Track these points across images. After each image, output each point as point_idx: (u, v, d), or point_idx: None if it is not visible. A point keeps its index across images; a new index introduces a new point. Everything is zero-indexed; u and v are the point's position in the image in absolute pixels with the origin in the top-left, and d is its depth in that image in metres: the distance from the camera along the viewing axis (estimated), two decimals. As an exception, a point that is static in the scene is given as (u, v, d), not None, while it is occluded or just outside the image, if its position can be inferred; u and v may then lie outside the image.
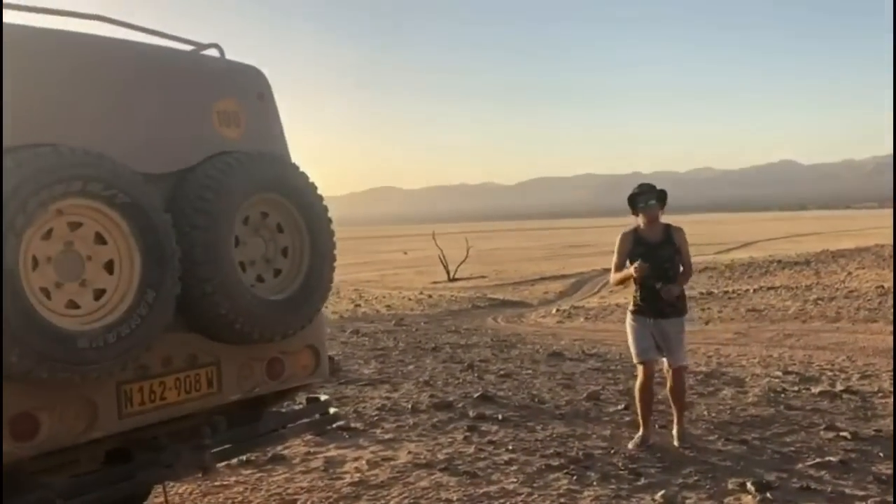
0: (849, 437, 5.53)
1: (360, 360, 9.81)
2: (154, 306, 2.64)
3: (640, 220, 5.15)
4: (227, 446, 3.20)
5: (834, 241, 49.42)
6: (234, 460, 4.74)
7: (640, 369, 5.23)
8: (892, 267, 24.29)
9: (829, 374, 8.98)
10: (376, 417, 5.95)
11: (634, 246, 5.10)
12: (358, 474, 4.60)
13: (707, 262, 36.85)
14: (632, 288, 5.18)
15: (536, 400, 6.68)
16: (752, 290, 19.73)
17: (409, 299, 30.26)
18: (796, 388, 7.86)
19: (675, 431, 5.14)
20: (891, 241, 37.95)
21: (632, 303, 5.15)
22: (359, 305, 28.66)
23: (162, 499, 3.80)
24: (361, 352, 10.85)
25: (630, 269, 4.97)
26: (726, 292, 19.90)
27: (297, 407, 3.90)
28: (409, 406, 6.27)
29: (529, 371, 8.77)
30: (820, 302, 15.66)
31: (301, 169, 3.26)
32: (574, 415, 6.12)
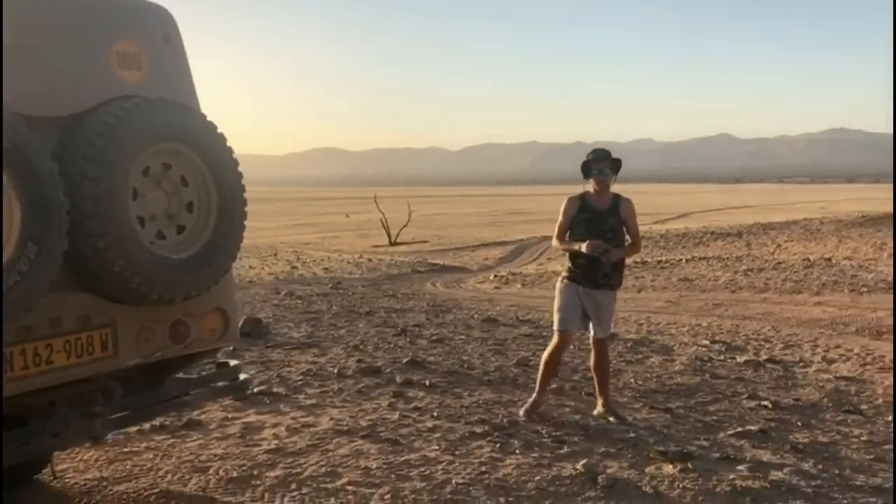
0: (769, 406, 5.60)
1: (291, 324, 9.60)
2: (36, 262, 2.41)
3: (590, 187, 5.03)
4: (123, 414, 3.00)
5: (766, 214, 50.79)
6: (147, 425, 4.54)
7: (556, 336, 5.08)
8: (817, 240, 25.09)
9: (755, 343, 9.16)
10: (300, 382, 5.78)
11: (580, 212, 4.96)
12: (276, 441, 4.44)
13: (643, 231, 37.17)
14: (562, 255, 5.09)
15: (466, 366, 6.59)
16: (684, 260, 20.07)
17: (349, 262, 29.96)
18: (722, 358, 7.98)
19: (599, 401, 5.09)
20: (818, 216, 39.23)
21: (566, 269, 5.05)
22: (296, 267, 28.25)
23: (61, 467, 3.58)
24: (293, 315, 10.63)
25: (581, 245, 4.83)
26: (660, 262, 20.20)
27: (204, 373, 3.71)
28: (336, 371, 6.12)
29: (462, 336, 8.70)
30: (749, 273, 16.00)
31: (209, 119, 3.04)
32: (502, 381, 6.06)
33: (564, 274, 5.07)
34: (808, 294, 12.93)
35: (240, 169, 3.10)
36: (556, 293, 5.09)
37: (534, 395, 5.12)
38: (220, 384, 3.46)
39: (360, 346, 7.50)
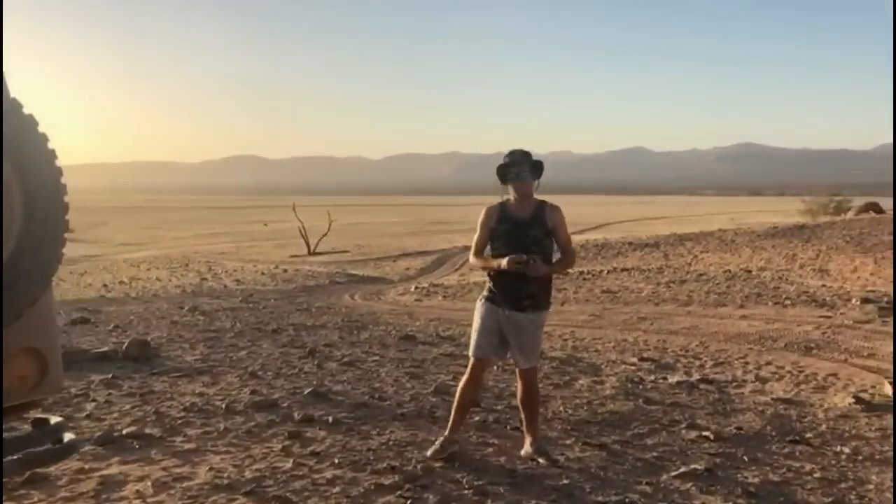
0: (711, 437, 5.08)
1: (187, 345, 8.68)
2: None
3: (510, 195, 4.35)
4: None
5: (680, 225, 51.77)
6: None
7: (470, 366, 4.39)
8: (733, 251, 25.38)
9: (684, 360, 8.75)
10: (180, 421, 4.94)
11: (499, 223, 4.28)
12: (138, 501, 3.62)
13: (564, 241, 37.46)
14: (482, 273, 4.43)
15: (377, 395, 5.85)
16: (606, 272, 19.85)
17: (263, 273, 28.74)
18: (653, 378, 7.50)
19: (528, 439, 4.43)
20: (732, 227, 40.08)
21: (485, 288, 4.39)
22: (205, 279, 26.87)
23: None
24: (191, 333, 9.69)
25: (500, 261, 4.14)
26: (581, 273, 19.90)
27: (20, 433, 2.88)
28: (224, 405, 5.29)
29: (377, 357, 7.97)
30: (672, 285, 15.78)
31: (24, 111, 2.25)
32: (417, 414, 5.35)
33: (484, 293, 4.39)
34: (732, 307, 12.70)
35: (60, 171, 2.31)
36: (475, 315, 4.42)
37: (445, 432, 4.43)
38: (33, 450, 2.64)
39: (259, 373, 6.67)
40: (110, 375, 6.45)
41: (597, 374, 7.58)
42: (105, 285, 24.46)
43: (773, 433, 5.34)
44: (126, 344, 7.50)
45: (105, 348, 7.55)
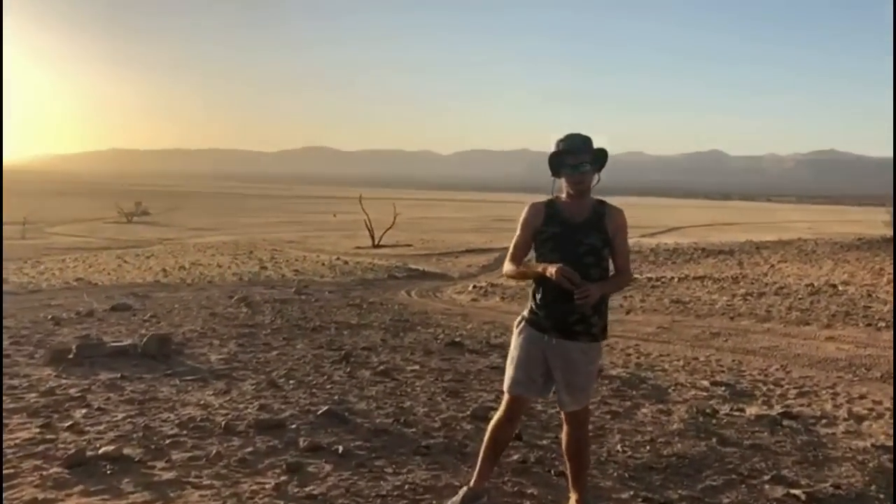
0: (803, 497, 4.15)
1: (217, 341, 8.11)
2: None
3: (562, 189, 3.49)
4: None
5: (755, 232, 49.59)
6: None
7: (504, 402, 3.59)
8: (814, 262, 23.80)
9: (763, 387, 7.72)
10: (169, 440, 4.26)
11: (547, 224, 3.42)
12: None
13: (632, 244, 36.08)
14: (530, 283, 3.59)
15: (403, 419, 5.06)
16: (676, 279, 18.67)
17: (323, 264, 28.39)
18: (728, 409, 6.53)
19: (573, 497, 3.56)
20: (812, 237, 38.06)
21: (527, 308, 3.57)
22: (265, 268, 26.64)
23: None
24: (226, 328, 9.13)
25: (547, 268, 3.27)
26: (650, 279, 18.78)
27: None
28: (225, 423, 4.60)
29: (416, 367, 7.22)
30: (749, 297, 14.58)
31: None
32: (445, 447, 4.53)
33: (524, 314, 3.56)
34: (817, 326, 11.50)
35: None
36: (512, 342, 3.60)
37: (471, 481, 3.63)
38: None
39: (280, 381, 5.99)
40: (118, 375, 5.88)
41: (663, 401, 6.66)
42: (164, 269, 24.42)
43: (880, 495, 4.37)
44: (146, 339, 6.94)
45: (125, 342, 7.01)
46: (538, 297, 3.41)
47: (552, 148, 3.41)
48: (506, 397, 3.54)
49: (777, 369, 8.71)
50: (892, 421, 6.52)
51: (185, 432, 4.40)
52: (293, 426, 4.63)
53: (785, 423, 6.12)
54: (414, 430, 4.82)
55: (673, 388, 7.42)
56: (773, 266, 23.11)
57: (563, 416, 3.58)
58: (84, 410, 4.82)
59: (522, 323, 3.50)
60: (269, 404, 5.14)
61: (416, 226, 51.95)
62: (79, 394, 5.21)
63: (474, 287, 18.89)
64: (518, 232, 3.52)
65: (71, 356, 6.50)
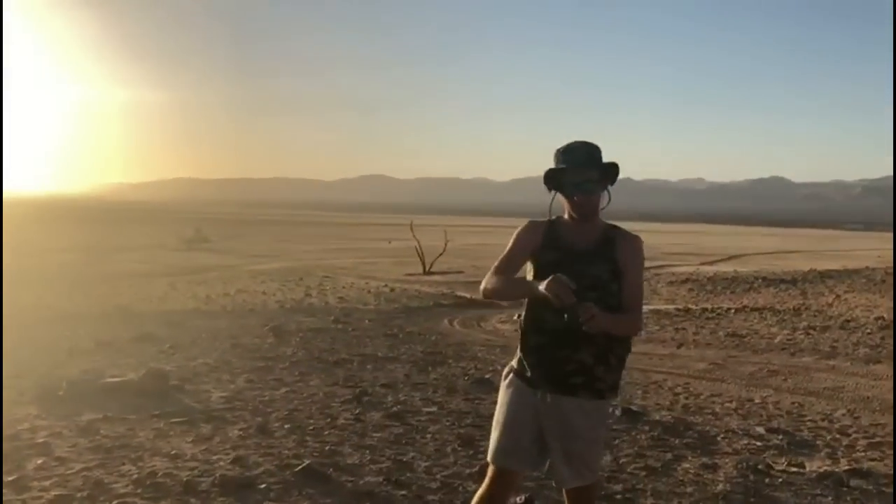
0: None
1: (227, 375, 7.62)
2: None
3: (564, 209, 2.83)
4: None
5: (820, 260, 47.54)
6: None
7: (488, 474, 2.89)
8: (884, 293, 22.36)
9: (827, 436, 6.83)
10: (115, 503, 3.72)
11: (546, 248, 2.78)
12: None
13: (690, 273, 34.82)
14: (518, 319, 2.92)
15: (397, 478, 4.37)
16: (733, 311, 17.61)
17: (369, 292, 27.97)
18: (785, 463, 5.71)
19: None
20: (882, 266, 36.15)
21: (515, 358, 2.90)
22: (310, 295, 26.36)
23: None
24: (243, 361, 8.65)
25: (536, 284, 2.61)
26: (705, 310, 17.78)
27: None
28: (187, 479, 4.04)
29: (434, 409, 6.58)
30: (811, 331, 13.52)
31: None
32: (440, 516, 3.89)
33: (513, 362, 2.91)
34: (888, 365, 10.46)
35: None
36: (499, 396, 2.95)
37: None
38: None
39: (274, 425, 5.43)
40: (101, 416, 5.40)
41: (709, 453, 5.87)
42: (209, 297, 24.30)
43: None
44: (142, 375, 6.47)
45: (123, 378, 6.55)
46: (527, 338, 2.75)
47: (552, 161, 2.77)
48: (490, 469, 2.87)
49: (843, 414, 7.78)
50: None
51: (138, 491, 3.85)
52: (262, 486, 4.02)
53: (853, 482, 5.28)
54: (405, 492, 4.15)
55: (723, 435, 6.61)
56: (838, 296, 21.80)
57: (564, 495, 2.88)
58: (41, 460, 4.33)
59: (510, 374, 2.84)
60: (246, 456, 4.56)
61: (468, 252, 51.41)
62: (45, 439, 4.73)
63: (519, 316, 18.18)
64: (509, 246, 2.87)
65: (61, 392, 6.06)
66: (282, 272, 38.68)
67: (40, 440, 4.68)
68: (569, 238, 2.78)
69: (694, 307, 19.22)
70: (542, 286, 2.53)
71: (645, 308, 21.14)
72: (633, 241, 2.79)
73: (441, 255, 39.67)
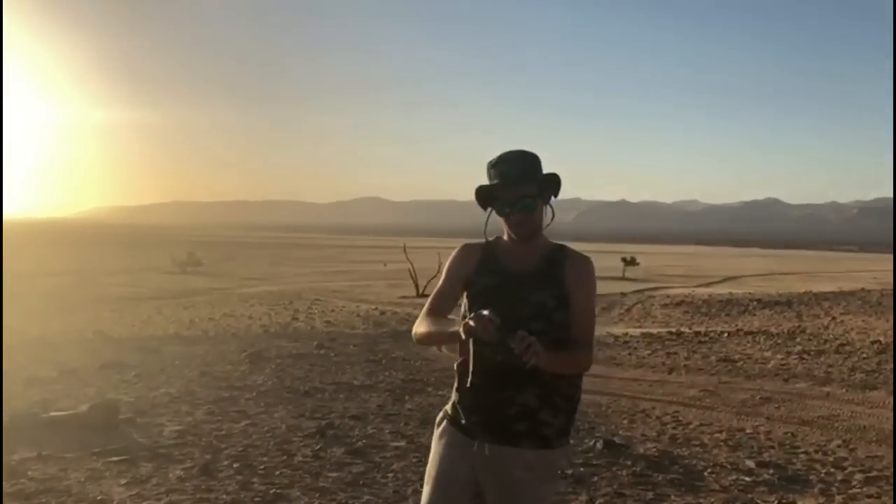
0: None
1: (187, 406, 7.20)
2: None
3: (503, 229, 2.45)
4: None
5: (815, 282, 47.25)
6: None
7: None
8: (879, 315, 22.01)
9: (822, 471, 6.42)
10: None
11: (479, 272, 2.40)
12: None
13: (685, 294, 34.45)
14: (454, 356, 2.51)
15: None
16: (727, 334, 17.21)
17: (358, 315, 27.54)
18: (774, 501, 5.32)
19: None
20: (877, 287, 35.84)
21: (450, 402, 2.48)
22: (297, 319, 25.91)
23: None
24: (206, 391, 8.23)
25: (455, 327, 2.23)
26: (698, 333, 17.38)
27: None
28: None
29: (402, 444, 6.17)
30: (806, 356, 13.12)
31: None
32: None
33: (446, 408, 2.48)
34: (885, 391, 10.06)
35: None
36: (432, 448, 2.52)
37: None
38: None
39: (221, 465, 5.01)
40: (35, 454, 4.98)
41: (694, 490, 5.47)
42: (192, 321, 23.84)
43: None
44: (87, 408, 6.06)
45: (70, 411, 6.14)
46: (462, 379, 2.36)
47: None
48: None
49: (838, 446, 7.38)
50: None
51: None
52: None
53: (848, 524, 4.89)
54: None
55: (710, 470, 6.20)
56: (834, 318, 21.45)
57: None
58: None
59: (444, 422, 2.45)
60: (178, 502, 4.15)
61: (461, 275, 51.00)
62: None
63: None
64: (442, 279, 2.49)
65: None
66: (272, 296, 38.24)
67: (-44, 485, 4.28)
68: (508, 260, 2.41)
69: (687, 330, 18.82)
70: (461, 328, 2.15)
71: (636, 331, 20.70)
72: (582, 262, 2.41)
73: (434, 277, 39.34)
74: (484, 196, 2.38)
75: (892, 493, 5.80)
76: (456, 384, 2.38)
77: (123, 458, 4.98)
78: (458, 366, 2.41)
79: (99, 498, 4.16)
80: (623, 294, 35.53)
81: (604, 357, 14.22)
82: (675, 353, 14.18)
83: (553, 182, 2.36)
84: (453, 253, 2.50)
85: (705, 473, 6.07)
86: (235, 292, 41.93)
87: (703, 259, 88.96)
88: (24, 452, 5.05)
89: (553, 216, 2.43)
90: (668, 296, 34.41)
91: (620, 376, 12.11)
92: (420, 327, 2.41)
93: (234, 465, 4.99)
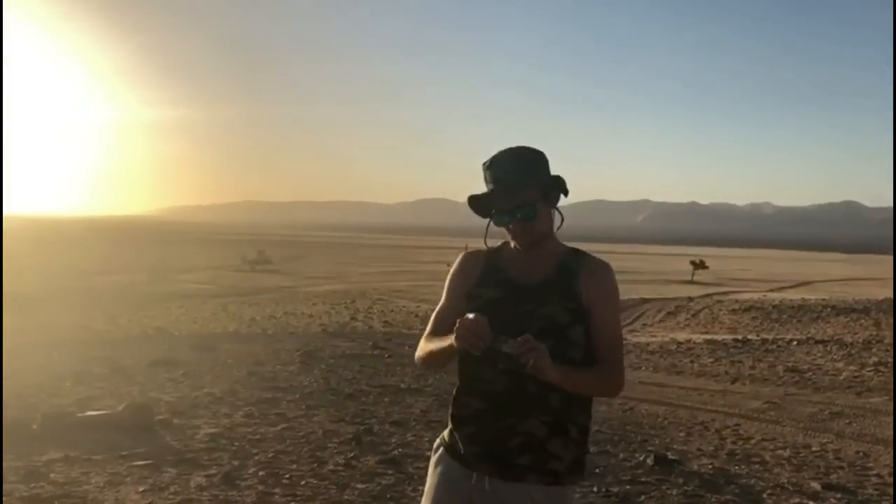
0: None
1: (227, 408, 7.10)
2: None
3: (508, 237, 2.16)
4: None
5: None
6: None
7: None
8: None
9: (896, 496, 5.91)
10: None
11: (482, 283, 2.10)
12: None
13: (755, 300, 33.34)
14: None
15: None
16: (796, 342, 16.42)
17: (416, 316, 27.51)
18: (841, 532, 4.87)
19: None
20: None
21: (447, 427, 2.18)
22: (356, 319, 26.02)
23: None
24: (250, 392, 8.14)
25: (450, 341, 1.94)
26: (765, 341, 16.65)
27: None
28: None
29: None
30: (882, 369, 12.35)
31: None
32: None
33: (444, 434, 2.19)
34: (970, 409, 9.34)
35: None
36: (427, 477, 2.21)
37: None
38: None
39: (247, 472, 4.83)
40: (62, 455, 4.91)
41: (750, 515, 5.06)
42: (254, 319, 24.16)
43: None
44: (121, 408, 5.99)
45: (98, 412, 6.09)
46: (460, 403, 2.08)
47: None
48: None
49: (915, 468, 6.81)
50: None
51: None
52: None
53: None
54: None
55: (770, 491, 5.75)
56: (915, 328, 20.32)
57: None
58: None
59: (440, 449, 2.18)
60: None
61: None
62: (-19, 485, 4.24)
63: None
64: (444, 296, 2.21)
65: (35, 426, 5.62)
66: (335, 294, 38.61)
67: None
68: (514, 270, 2.10)
69: (754, 337, 18.09)
70: (455, 342, 1.88)
71: (700, 338, 19.91)
72: (602, 270, 2.09)
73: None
74: (477, 207, 2.10)
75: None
76: (458, 405, 2.11)
77: (148, 462, 4.86)
78: (455, 391, 2.14)
79: (115, 504, 4.04)
80: (690, 298, 34.60)
81: (665, 365, 13.74)
82: (740, 362, 13.58)
83: (556, 185, 2.06)
84: (455, 263, 2.23)
85: (764, 495, 5.63)
86: (301, 290, 42.51)
87: (776, 263, 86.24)
88: (53, 453, 4.99)
89: (562, 220, 2.13)
90: (737, 301, 33.33)
91: (681, 385, 11.62)
92: (419, 350, 2.15)
93: (260, 474, 4.81)
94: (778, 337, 17.84)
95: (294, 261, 76.96)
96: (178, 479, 4.56)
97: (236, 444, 5.66)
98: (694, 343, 17.12)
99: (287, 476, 4.81)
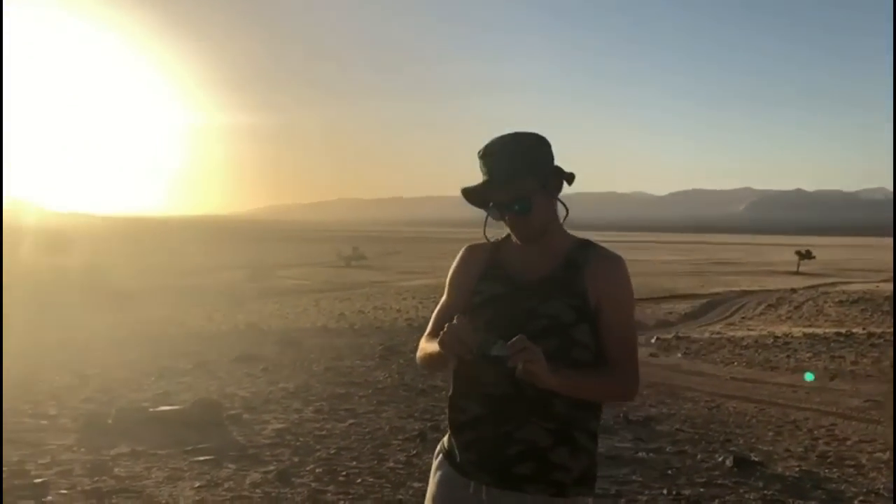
0: None
1: (298, 403, 7.19)
2: None
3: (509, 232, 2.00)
4: None
5: None
6: None
7: None
8: None
9: None
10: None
11: (483, 279, 1.95)
12: None
13: (865, 291, 31.52)
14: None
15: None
16: (906, 335, 15.38)
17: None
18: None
19: None
20: None
21: (446, 436, 2.04)
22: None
23: None
24: (324, 387, 8.24)
25: (434, 347, 1.81)
26: (871, 335, 15.66)
27: None
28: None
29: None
30: None
31: None
32: None
33: (443, 440, 2.05)
34: None
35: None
36: (429, 484, 2.06)
37: None
38: None
39: (304, 469, 4.83)
40: (129, 450, 5.03)
41: (835, 524, 4.69)
42: (343, 314, 24.53)
43: None
44: (191, 404, 6.11)
45: (169, 407, 6.23)
46: (456, 408, 1.94)
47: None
48: None
49: None
50: None
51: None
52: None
53: None
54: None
55: (862, 498, 5.33)
56: None
57: None
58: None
59: (440, 455, 2.04)
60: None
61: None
62: (49, 478, 4.38)
63: (658, 339, 16.80)
64: (445, 292, 2.06)
65: (110, 421, 5.81)
66: (426, 289, 38.77)
67: (43, 479, 4.34)
68: (516, 264, 1.94)
69: (860, 331, 17.05)
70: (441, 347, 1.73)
71: (799, 331, 18.93)
72: (609, 263, 1.91)
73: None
74: (472, 198, 1.94)
75: None
76: (448, 416, 1.97)
77: (210, 458, 4.93)
78: (449, 402, 2.00)
79: (165, 502, 4.08)
80: (793, 290, 33.06)
81: (759, 360, 13.12)
82: (841, 357, 12.82)
83: (555, 173, 1.88)
84: (457, 257, 2.08)
85: (855, 502, 5.22)
86: (394, 286, 42.94)
87: (890, 252, 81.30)
88: (122, 447, 5.13)
89: (567, 213, 1.95)
90: (845, 292, 31.59)
91: (774, 381, 11.06)
92: (419, 351, 2.02)
93: (317, 471, 4.80)
94: (886, 331, 16.74)
95: (389, 256, 78.03)
96: (235, 475, 4.60)
97: (301, 439, 5.69)
98: (792, 337, 16.29)
99: (344, 473, 4.77)
